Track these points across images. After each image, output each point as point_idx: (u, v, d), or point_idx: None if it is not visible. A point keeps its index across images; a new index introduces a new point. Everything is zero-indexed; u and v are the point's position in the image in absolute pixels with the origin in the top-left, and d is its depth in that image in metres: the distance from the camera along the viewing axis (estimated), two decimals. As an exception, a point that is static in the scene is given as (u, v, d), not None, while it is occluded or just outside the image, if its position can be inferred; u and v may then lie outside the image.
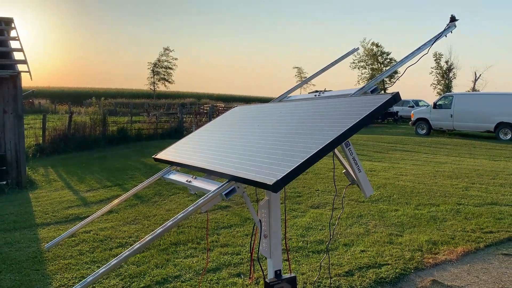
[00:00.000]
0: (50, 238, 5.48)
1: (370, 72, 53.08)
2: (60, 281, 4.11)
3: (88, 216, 5.81)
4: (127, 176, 10.24)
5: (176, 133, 19.76)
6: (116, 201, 2.95)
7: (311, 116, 2.32)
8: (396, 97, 1.88)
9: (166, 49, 61.96)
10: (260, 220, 2.41)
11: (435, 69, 51.92)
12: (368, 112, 1.86)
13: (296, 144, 2.02)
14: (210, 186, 2.20)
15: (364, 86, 2.40)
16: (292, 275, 2.47)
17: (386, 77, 46.81)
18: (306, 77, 3.50)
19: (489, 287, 3.78)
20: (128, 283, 4.01)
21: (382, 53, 53.07)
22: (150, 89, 61.83)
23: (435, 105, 20.71)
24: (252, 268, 3.83)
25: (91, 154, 15.19)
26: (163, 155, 2.99)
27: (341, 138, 1.83)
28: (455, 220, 5.72)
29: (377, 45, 53.02)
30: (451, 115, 19.94)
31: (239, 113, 3.24)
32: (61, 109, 32.97)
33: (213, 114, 25.48)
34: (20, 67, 10.30)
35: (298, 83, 3.87)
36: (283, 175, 1.74)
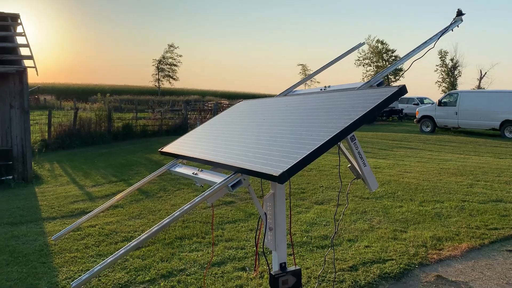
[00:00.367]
0: (56, 232, 5.52)
1: (375, 69, 52.96)
2: (66, 273, 4.15)
3: (93, 210, 5.86)
4: (132, 171, 10.29)
5: (181, 130, 19.80)
6: (121, 194, 2.98)
7: (317, 109, 2.33)
8: (402, 90, 1.89)
9: (170, 46, 62.13)
10: (265, 213, 2.42)
11: (440, 66, 51.77)
12: (375, 105, 1.87)
13: (301, 136, 2.03)
14: (216, 178, 2.22)
15: (370, 80, 2.40)
16: (297, 267, 2.48)
17: (391, 74, 46.66)
18: (311, 73, 3.48)
19: (493, 283, 3.78)
20: (134, 276, 4.04)
21: (387, 50, 52.93)
22: (155, 85, 62.01)
23: (440, 103, 20.63)
24: (257, 261, 3.85)
25: (97, 149, 15.26)
26: (169, 148, 3.01)
27: (348, 131, 1.84)
28: (460, 216, 5.71)
29: (382, 43, 52.90)
30: (456, 112, 19.85)
31: (245, 107, 3.26)
32: (66, 105, 33.10)
33: (217, 111, 25.51)
34: (26, 62, 10.36)
35: (303, 78, 3.87)
36: (289, 166, 1.75)
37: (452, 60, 50.93)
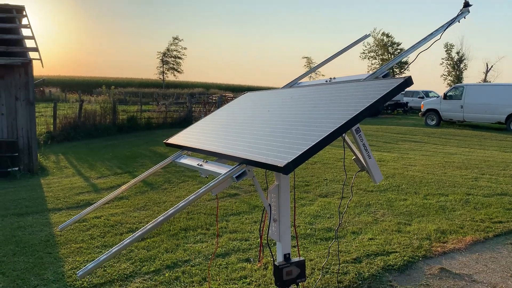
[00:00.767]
0: (61, 223, 5.57)
1: (380, 62, 52.67)
2: (72, 264, 4.19)
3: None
4: (137, 163, 10.33)
5: (185, 122, 19.84)
6: (127, 185, 2.99)
7: (322, 100, 2.32)
8: (408, 81, 1.88)
9: (175, 38, 62.11)
10: (269, 204, 2.43)
11: (446, 60, 51.42)
12: (380, 96, 1.87)
13: (306, 127, 2.03)
14: (221, 169, 2.22)
15: (376, 71, 2.39)
16: (301, 258, 2.49)
17: (396, 68, 46.38)
18: (316, 65, 3.47)
19: (497, 276, 3.78)
20: (139, 266, 4.07)
21: (393, 43, 52.61)
22: (160, 78, 62.04)
23: (446, 96, 20.52)
24: (261, 253, 3.87)
25: (101, 142, 15.32)
26: (174, 139, 3.02)
27: (353, 122, 1.84)
28: (464, 210, 5.70)
29: (387, 35, 52.56)
30: (462, 106, 19.74)
31: (250, 99, 3.25)
32: (71, 97, 33.15)
33: (221, 103, 25.49)
34: (32, 54, 10.38)
35: (308, 70, 3.85)
36: (294, 157, 1.75)
37: (458, 53, 50.60)
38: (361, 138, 2.39)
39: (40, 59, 10.36)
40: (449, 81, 50.61)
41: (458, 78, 49.87)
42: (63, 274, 3.95)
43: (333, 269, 3.92)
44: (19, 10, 11.58)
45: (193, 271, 3.93)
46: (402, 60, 48.89)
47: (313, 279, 3.73)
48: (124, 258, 4.28)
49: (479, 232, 4.84)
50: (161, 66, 61.76)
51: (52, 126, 16.08)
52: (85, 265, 4.13)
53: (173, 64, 62.21)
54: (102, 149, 13.49)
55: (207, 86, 63.20)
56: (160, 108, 22.77)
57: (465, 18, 2.56)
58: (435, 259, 4.16)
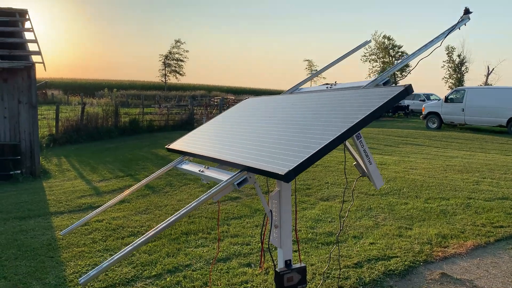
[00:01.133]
0: (64, 226, 5.58)
1: (382, 65, 52.68)
2: (73, 268, 4.20)
3: (101, 205, 5.91)
4: (139, 166, 10.35)
5: (187, 125, 19.87)
6: (129, 190, 3.01)
7: (322, 107, 2.34)
8: (408, 89, 1.89)
9: (177, 41, 62.14)
10: (271, 211, 2.44)
11: (447, 62, 51.39)
12: (381, 104, 1.88)
13: (307, 135, 2.05)
14: (222, 176, 2.24)
15: (376, 78, 2.41)
16: (302, 265, 2.50)
17: (398, 71, 46.42)
18: (317, 70, 3.51)
19: (498, 281, 3.79)
20: (140, 271, 4.08)
21: (394, 46, 52.62)
22: (162, 81, 62.12)
23: (447, 99, 20.51)
24: (262, 258, 3.88)
25: (103, 144, 15.35)
26: (176, 145, 3.03)
27: (353, 130, 1.85)
28: (465, 214, 5.70)
29: (388, 38, 52.57)
30: (463, 109, 19.73)
31: (251, 105, 3.27)
32: (73, 100, 33.28)
33: (223, 106, 25.54)
34: (34, 58, 10.43)
35: (309, 76, 3.89)
36: (295, 165, 1.77)
37: (459, 56, 50.56)
38: (361, 144, 2.41)
39: (42, 62, 10.41)
40: (450, 84, 50.59)
41: (459, 81, 49.84)
42: (65, 278, 3.97)
43: (334, 274, 3.93)
44: (22, 13, 11.64)
45: (194, 276, 3.94)
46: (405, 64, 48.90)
47: (314, 284, 3.73)
48: (126, 262, 4.29)
49: (480, 237, 4.84)
50: (163, 69, 61.86)
51: (54, 128, 16.13)
52: (87, 269, 4.15)
53: (175, 67, 62.30)
54: (104, 151, 13.52)
55: (209, 89, 63.26)
56: (162, 110, 22.81)
57: (465, 25, 2.58)
58: (436, 264, 4.16)
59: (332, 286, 3.68)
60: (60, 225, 5.65)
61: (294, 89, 3.32)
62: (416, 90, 32.78)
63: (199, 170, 2.51)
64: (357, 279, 3.81)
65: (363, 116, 1.86)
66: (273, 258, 3.44)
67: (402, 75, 48.17)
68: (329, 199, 6.61)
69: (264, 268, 4.06)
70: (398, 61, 2.42)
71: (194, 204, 2.00)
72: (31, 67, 10.24)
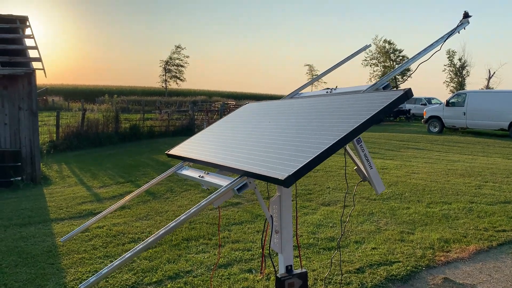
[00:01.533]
0: (64, 233, 5.57)
1: (382, 69, 52.73)
2: (74, 275, 4.18)
3: (101, 212, 5.89)
4: (139, 172, 10.34)
5: (188, 131, 19.87)
6: (130, 196, 3.00)
7: (322, 112, 2.33)
8: (408, 93, 1.89)
9: (177, 47, 62.28)
10: (271, 216, 2.43)
11: (448, 66, 51.43)
12: (380, 108, 1.87)
13: (307, 140, 2.03)
14: (222, 182, 2.23)
15: (376, 83, 2.40)
16: (303, 270, 2.48)
17: (398, 75, 46.47)
18: (317, 75, 3.50)
19: (501, 286, 3.76)
20: (141, 277, 4.06)
21: (395, 50, 52.70)
22: (162, 86, 62.22)
23: (448, 103, 20.50)
24: (263, 263, 3.86)
25: (104, 150, 15.35)
26: (176, 151, 3.03)
27: (353, 134, 1.84)
28: (468, 218, 5.68)
29: (389, 43, 52.66)
30: (464, 113, 19.71)
31: (251, 110, 3.26)
32: (74, 106, 33.35)
33: (224, 111, 25.55)
34: (35, 64, 10.45)
35: (309, 80, 3.88)
36: (295, 170, 1.75)
37: (460, 60, 50.60)
38: (362, 148, 2.40)
39: (43, 69, 10.43)
40: (452, 88, 50.60)
41: (461, 85, 49.86)
42: (65, 285, 3.94)
43: (336, 279, 3.90)
44: (23, 20, 11.68)
45: (195, 282, 3.92)
46: (405, 68, 48.98)
47: (315, 289, 3.71)
48: (126, 268, 4.27)
49: (483, 241, 4.81)
50: (163, 74, 61.96)
51: (55, 135, 16.14)
52: (87, 276, 4.13)
53: (176, 72, 62.41)
54: (104, 158, 13.51)
55: (209, 94, 63.35)
56: (163, 116, 22.83)
57: (464, 29, 2.57)
58: (438, 269, 4.14)
59: (334, 292, 3.65)
60: (61, 232, 5.63)
61: (294, 94, 3.32)
62: (417, 94, 32.81)
63: (199, 176, 2.50)
64: (359, 285, 3.78)
65: (363, 121, 1.85)
66: (274, 263, 3.42)
67: (403, 79, 48.19)
68: (331, 204, 6.59)
69: (265, 274, 4.04)
70: (398, 66, 2.42)
71: (194, 209, 1.99)
72: (31, 73, 10.26)
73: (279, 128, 2.46)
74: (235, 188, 2.05)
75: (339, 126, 1.97)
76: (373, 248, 4.65)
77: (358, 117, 1.93)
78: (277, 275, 2.44)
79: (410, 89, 1.88)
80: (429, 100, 32.36)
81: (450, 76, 51.55)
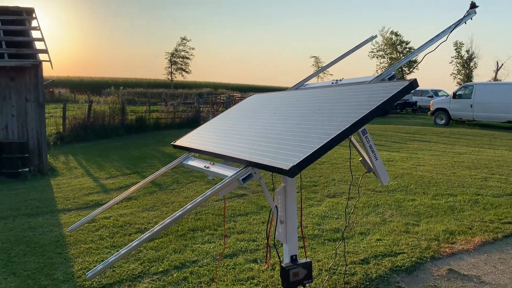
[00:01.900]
0: (71, 223, 5.63)
1: (389, 61, 52.37)
2: (81, 264, 4.24)
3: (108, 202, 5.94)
4: (145, 164, 10.39)
5: (193, 123, 19.88)
6: (136, 186, 3.02)
7: (327, 103, 2.33)
8: (413, 84, 1.88)
9: (183, 38, 62.26)
10: (276, 206, 2.44)
11: (456, 58, 50.96)
12: (386, 99, 1.87)
13: (312, 130, 2.04)
14: (228, 172, 2.24)
15: (382, 73, 2.40)
16: (308, 260, 2.50)
17: (405, 67, 46.11)
18: (323, 67, 3.48)
19: (506, 277, 3.76)
20: (147, 267, 4.11)
21: (402, 42, 52.28)
22: (168, 78, 62.27)
23: (455, 95, 20.35)
24: (268, 254, 3.88)
25: (110, 142, 15.43)
26: (182, 142, 3.04)
27: (358, 125, 1.85)
28: (473, 210, 5.67)
29: (396, 34, 52.24)
30: (471, 105, 19.56)
31: (256, 101, 3.27)
32: (80, 98, 33.46)
33: (229, 103, 25.55)
34: (41, 56, 10.49)
35: (315, 72, 3.87)
36: (299, 160, 1.77)
37: (467, 51, 50.10)
38: (367, 139, 2.40)
39: (49, 60, 10.47)
40: (459, 80, 50.18)
41: (468, 77, 49.42)
42: (73, 274, 4.00)
43: (340, 270, 3.92)
44: (29, 12, 11.71)
45: (201, 272, 3.96)
46: (411, 59, 48.61)
47: (320, 280, 3.73)
48: (133, 258, 4.31)
49: (488, 233, 4.81)
50: (169, 67, 61.99)
51: (61, 127, 16.23)
52: (94, 265, 4.18)
53: (181, 64, 62.41)
54: (111, 149, 13.59)
55: (215, 86, 63.31)
56: (168, 108, 22.87)
57: (471, 19, 2.55)
58: (443, 260, 4.14)
59: (338, 282, 3.68)
60: (68, 222, 5.69)
61: (300, 85, 3.32)
62: (424, 86, 32.58)
63: (205, 166, 2.52)
64: (363, 275, 3.80)
65: (368, 111, 1.85)
66: (279, 254, 3.44)
67: (410, 71, 47.86)
68: (336, 196, 6.60)
69: (270, 264, 4.07)
70: (404, 56, 2.41)
71: (200, 199, 2.01)
72: (38, 65, 10.31)
73: (284, 119, 2.47)
74: (240, 178, 2.07)
75: (344, 116, 1.97)
76: (378, 240, 4.66)
77: (363, 107, 1.93)
78: (282, 264, 2.46)
79: (415, 79, 1.88)
80: (435, 92, 32.13)
81: (457, 68, 51.12)
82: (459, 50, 50.32)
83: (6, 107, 10.13)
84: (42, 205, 6.76)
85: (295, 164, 1.74)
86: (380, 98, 1.91)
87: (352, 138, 2.61)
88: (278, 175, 6.35)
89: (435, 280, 3.72)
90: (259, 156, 2.06)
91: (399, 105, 29.82)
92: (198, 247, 4.60)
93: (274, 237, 2.48)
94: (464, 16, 2.57)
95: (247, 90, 58.58)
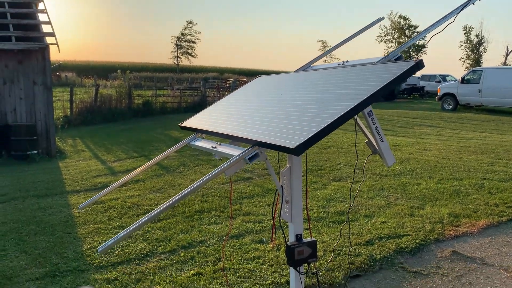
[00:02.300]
0: (80, 204, 5.72)
1: (397, 45, 51.80)
2: (90, 243, 4.33)
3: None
4: (152, 147, 10.47)
5: (199, 107, 19.91)
6: (143, 167, 3.07)
7: (334, 83, 2.35)
8: (419, 64, 1.89)
9: (189, 22, 61.94)
10: (282, 186, 2.48)
11: (465, 43, 50.35)
12: (392, 78, 1.88)
13: (318, 110, 2.06)
14: (234, 151, 2.28)
15: (388, 55, 2.40)
16: (313, 239, 2.55)
17: (413, 51, 45.56)
18: (330, 48, 3.46)
19: (509, 259, 3.80)
20: (155, 246, 4.19)
21: (410, 26, 51.65)
22: (174, 63, 62.16)
23: (463, 80, 20.15)
24: (274, 234, 3.94)
25: (117, 126, 15.52)
26: (189, 123, 3.08)
27: (364, 104, 1.87)
28: (479, 194, 5.68)
29: (404, 18, 51.61)
30: (480, 90, 19.38)
31: (263, 82, 3.29)
32: (87, 82, 33.52)
33: (235, 88, 25.49)
34: (48, 39, 10.50)
35: (321, 53, 3.85)
36: (305, 139, 1.79)
37: (477, 36, 49.44)
38: (373, 121, 2.42)
39: (56, 43, 10.49)
40: (468, 65, 49.64)
41: (477, 62, 48.86)
42: (83, 253, 4.09)
43: (345, 251, 3.98)
44: (36, -5, 11.68)
45: (208, 251, 4.03)
46: (419, 43, 47.98)
47: (325, 260, 3.79)
48: (141, 238, 4.40)
49: (493, 216, 4.84)
50: (175, 51, 61.83)
51: (69, 110, 16.33)
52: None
53: (187, 49, 62.21)
54: (118, 133, 13.68)
55: (221, 71, 63.09)
56: (175, 92, 22.88)
57: (480, 0, 2.54)
58: (447, 242, 4.19)
59: (342, 262, 3.73)
60: (77, 203, 5.79)
61: (306, 67, 3.32)
62: (432, 71, 32.24)
63: (212, 147, 2.55)
64: (368, 256, 3.85)
65: (374, 91, 1.86)
66: (284, 234, 3.49)
67: (418, 55, 47.34)
68: (341, 180, 6.64)
69: (276, 245, 4.13)
70: (410, 38, 2.41)
71: (207, 177, 2.05)
72: (45, 48, 10.34)
73: (290, 100, 2.49)
74: (247, 158, 2.10)
75: (350, 96, 1.99)
76: (383, 222, 4.71)
77: (368, 87, 1.95)
78: (287, 243, 2.51)
79: (421, 59, 1.89)
80: (443, 77, 31.81)
81: (466, 52, 50.56)
82: (468, 34, 49.70)
83: (14, 90, 10.20)
84: (51, 186, 6.86)
85: (301, 142, 1.77)
86: (386, 78, 1.92)
87: (358, 120, 2.63)
88: (284, 158, 6.40)
89: (438, 261, 3.77)
90: (266, 136, 2.09)
91: (407, 90, 29.60)
92: (205, 227, 4.68)
93: (280, 218, 2.53)
94: (473, -3, 2.55)
95: (253, 75, 58.30)
